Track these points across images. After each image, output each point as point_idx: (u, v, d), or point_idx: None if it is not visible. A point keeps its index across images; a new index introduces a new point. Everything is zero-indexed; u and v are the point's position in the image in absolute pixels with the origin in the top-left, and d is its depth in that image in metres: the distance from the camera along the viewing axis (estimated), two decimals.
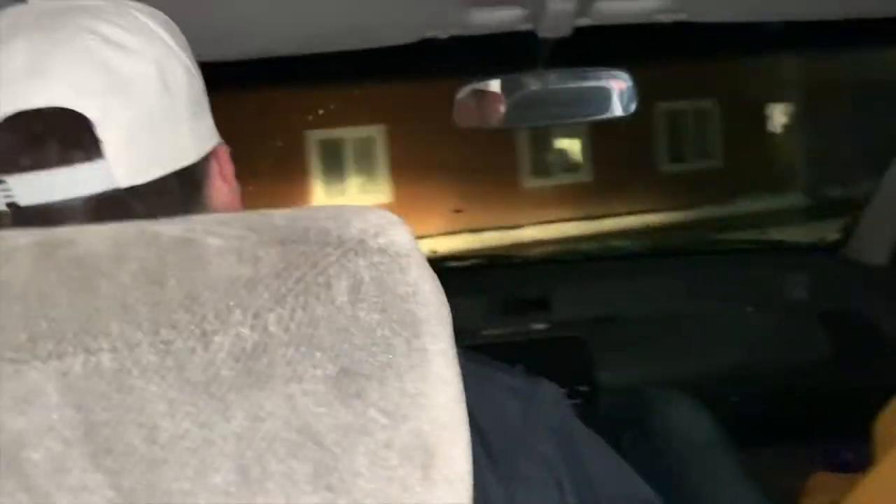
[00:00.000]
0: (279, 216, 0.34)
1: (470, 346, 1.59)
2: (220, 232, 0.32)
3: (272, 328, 0.29)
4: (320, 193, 9.48)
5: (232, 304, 0.29)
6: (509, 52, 1.23)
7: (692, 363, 1.61)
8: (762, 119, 9.60)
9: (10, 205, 0.47)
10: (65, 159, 0.47)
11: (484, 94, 1.24)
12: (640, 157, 9.91)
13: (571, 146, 9.95)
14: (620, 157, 9.11)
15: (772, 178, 9.56)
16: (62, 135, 0.47)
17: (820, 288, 1.76)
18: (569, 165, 9.97)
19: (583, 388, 1.56)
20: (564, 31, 1.09)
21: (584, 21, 1.08)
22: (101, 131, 0.47)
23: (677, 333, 1.67)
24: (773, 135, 9.62)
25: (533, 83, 1.23)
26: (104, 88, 0.47)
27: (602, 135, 9.37)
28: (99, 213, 0.47)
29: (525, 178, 10.03)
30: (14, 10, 0.51)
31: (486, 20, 1.05)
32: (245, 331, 0.29)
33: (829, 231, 1.81)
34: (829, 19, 1.11)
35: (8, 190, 0.46)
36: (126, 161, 0.48)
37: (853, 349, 1.60)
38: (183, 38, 0.55)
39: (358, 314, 0.31)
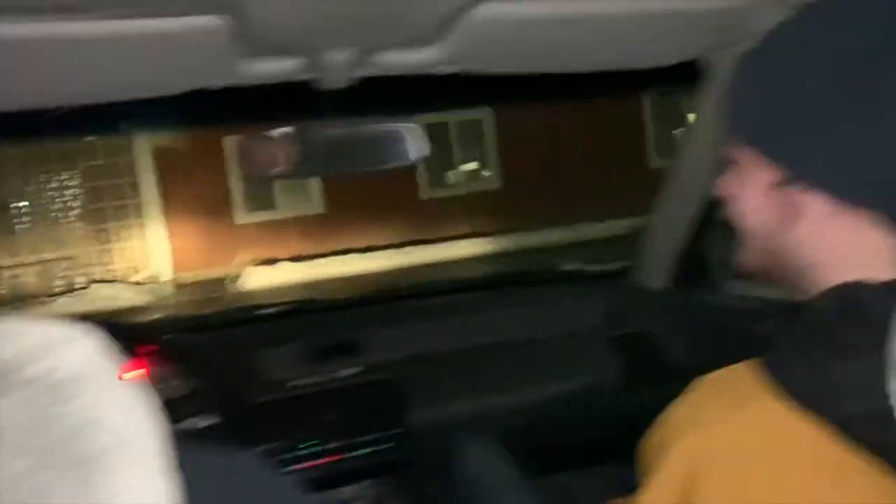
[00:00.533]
0: None
1: (278, 398, 1.54)
2: None
3: None
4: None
5: None
6: (289, 100, 1.21)
7: (497, 397, 1.65)
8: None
9: None
10: None
11: (273, 144, 1.21)
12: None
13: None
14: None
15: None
16: None
17: (612, 314, 1.87)
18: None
19: (394, 432, 1.55)
20: (344, 81, 1.08)
21: (363, 72, 1.08)
22: None
23: (483, 368, 1.71)
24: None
25: (322, 132, 1.21)
26: None
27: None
28: None
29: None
30: None
31: (261, 71, 1.02)
32: None
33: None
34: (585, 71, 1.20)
35: None
36: None
37: (642, 370, 1.71)
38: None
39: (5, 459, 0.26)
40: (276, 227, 10.79)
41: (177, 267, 10.61)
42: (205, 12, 0.84)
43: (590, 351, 1.76)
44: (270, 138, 1.22)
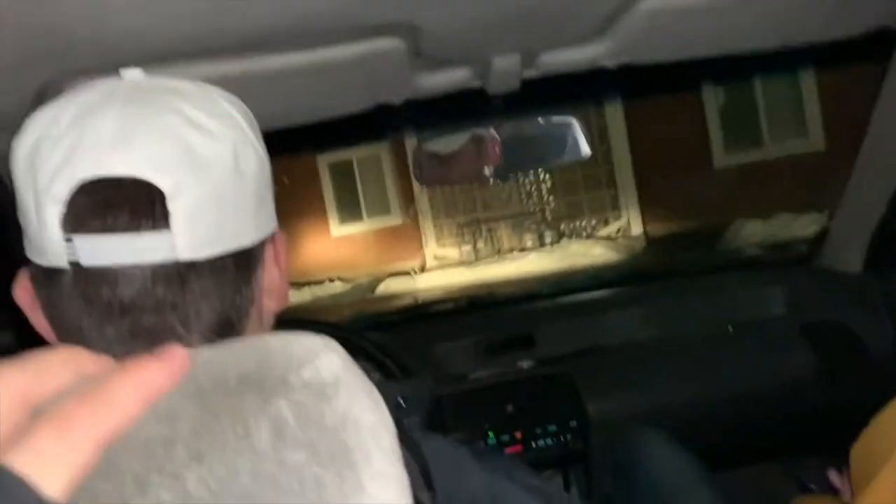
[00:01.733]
0: (202, 359, 0.35)
1: (459, 391, 1.60)
2: None
3: (191, 488, 0.30)
4: None
5: (149, 466, 0.30)
6: (458, 107, 1.25)
7: (678, 389, 1.61)
8: None
9: (72, 263, 0.49)
10: (132, 226, 0.49)
11: (456, 152, 1.26)
12: None
13: None
14: None
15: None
16: (134, 204, 0.49)
17: (798, 301, 1.77)
18: None
19: (573, 424, 1.56)
20: (513, 85, 1.11)
21: (531, 73, 1.11)
22: (171, 205, 0.49)
23: (662, 359, 1.68)
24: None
25: (497, 136, 1.25)
26: (180, 165, 0.50)
27: None
28: (155, 283, 0.50)
29: None
30: (111, 83, 0.54)
31: (436, 82, 1.07)
32: (164, 494, 0.30)
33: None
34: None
35: (73, 248, 0.49)
36: (189, 235, 0.50)
37: (836, 361, 1.60)
38: (257, 126, 0.59)
39: (283, 457, 0.31)
40: None
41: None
42: (381, 35, 0.90)
43: (775, 341, 1.68)
44: (452, 148, 1.28)
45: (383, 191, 10.91)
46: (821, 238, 1.83)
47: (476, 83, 1.10)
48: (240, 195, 0.53)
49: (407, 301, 7.40)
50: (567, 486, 1.71)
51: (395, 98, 1.09)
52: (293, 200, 10.23)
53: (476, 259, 10.29)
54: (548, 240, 10.23)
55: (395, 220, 11.02)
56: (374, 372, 1.47)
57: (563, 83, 1.21)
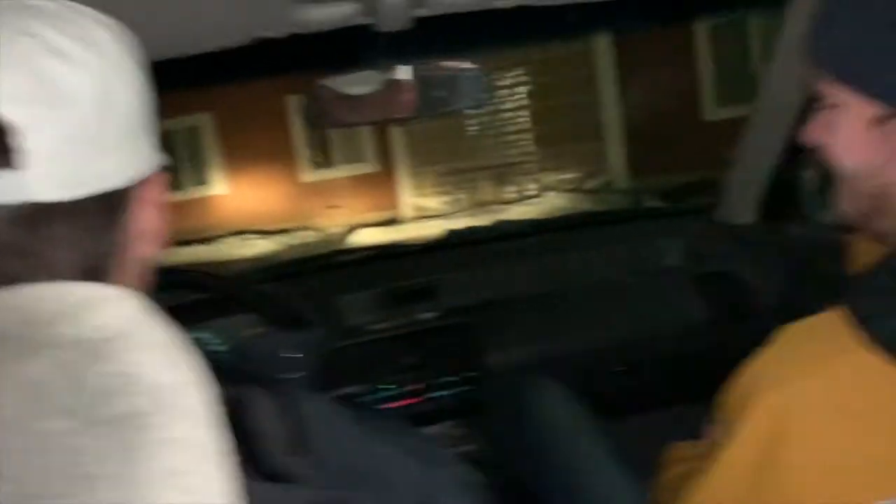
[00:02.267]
0: None
1: (357, 342, 1.57)
2: None
3: None
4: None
5: None
6: (346, 46, 1.19)
7: (578, 337, 1.63)
8: None
9: None
10: None
11: (341, 92, 1.20)
12: None
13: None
14: None
15: None
16: None
17: (695, 252, 1.81)
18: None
19: (472, 374, 1.56)
20: (404, 23, 1.06)
21: (421, 12, 1.05)
22: (25, 141, 0.44)
23: (562, 309, 1.69)
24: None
25: (396, 76, 1.19)
26: (36, 98, 0.45)
27: None
28: (7, 226, 0.44)
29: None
30: None
31: (321, 16, 1.01)
32: None
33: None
34: None
35: None
36: (46, 176, 0.45)
37: (727, 309, 1.65)
38: (138, 53, 0.52)
39: (38, 426, 0.27)
40: None
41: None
42: None
43: (671, 290, 1.71)
44: (351, 86, 1.21)
45: (357, 135, 10.28)
46: (720, 190, 1.86)
47: (364, 19, 1.04)
48: (107, 132, 0.48)
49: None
50: (469, 438, 1.72)
51: (277, 32, 1.03)
52: (260, 143, 9.84)
53: (457, 210, 9.99)
54: (531, 192, 9.97)
55: (369, 167, 10.57)
56: (261, 325, 1.42)
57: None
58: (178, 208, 9.50)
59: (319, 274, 1.89)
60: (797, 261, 1.64)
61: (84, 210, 0.47)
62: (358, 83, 1.20)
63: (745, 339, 1.49)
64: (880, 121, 0.63)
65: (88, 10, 0.50)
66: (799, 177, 1.63)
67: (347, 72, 1.19)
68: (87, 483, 0.27)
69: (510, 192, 10.10)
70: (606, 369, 1.65)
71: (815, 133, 0.70)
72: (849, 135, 0.66)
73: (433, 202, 10.39)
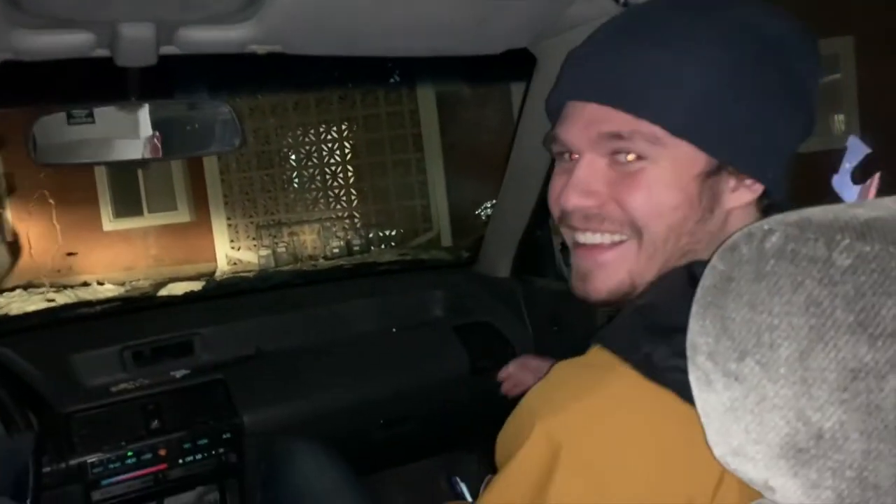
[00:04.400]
0: None
1: (102, 403, 1.41)
2: None
3: None
4: None
5: None
6: (95, 77, 1.10)
7: (339, 392, 1.59)
8: None
9: None
10: None
11: (63, 127, 1.09)
12: None
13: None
14: None
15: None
16: None
17: (456, 303, 1.87)
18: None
19: (226, 436, 1.46)
20: (148, 59, 0.99)
21: (169, 49, 1.00)
22: None
23: (325, 363, 1.65)
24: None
25: (127, 115, 1.11)
26: None
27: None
28: None
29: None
30: None
31: (44, 45, 0.91)
32: None
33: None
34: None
35: None
36: None
37: (484, 358, 1.71)
38: None
39: None
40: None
41: None
42: None
43: (432, 342, 1.75)
44: (72, 118, 1.11)
45: (168, 182, 9.65)
46: (479, 246, 1.96)
47: (101, 52, 0.96)
48: None
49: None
50: (223, 502, 1.61)
51: (6, 57, 0.91)
52: (59, 184, 8.70)
53: (276, 265, 9.41)
54: (356, 248, 9.65)
55: (182, 216, 9.82)
56: None
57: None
58: None
59: (58, 330, 1.69)
60: (549, 310, 1.75)
61: None
62: (80, 119, 1.11)
63: (500, 386, 1.56)
64: (709, 172, 0.63)
65: None
66: (546, 234, 1.76)
67: (83, 105, 1.09)
68: None
69: (333, 246, 9.89)
70: (369, 423, 1.63)
71: (599, 192, 0.67)
72: (669, 188, 0.64)
73: (251, 255, 9.93)
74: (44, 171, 8.16)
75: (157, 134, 1.09)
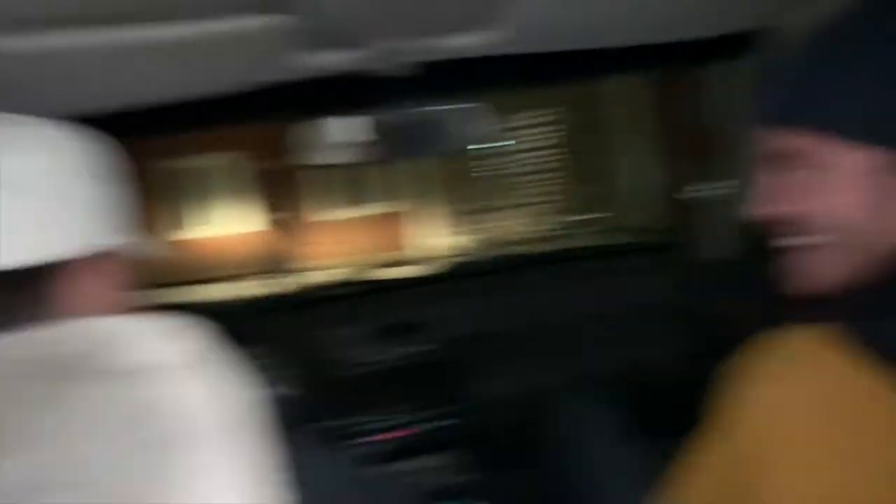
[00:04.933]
0: (4, 342, 0.32)
1: (348, 375, 1.59)
2: None
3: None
4: None
5: None
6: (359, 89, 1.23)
7: (557, 370, 1.66)
8: None
9: None
10: None
11: (346, 132, 1.23)
12: None
13: None
14: None
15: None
16: None
17: (673, 287, 1.86)
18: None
19: (463, 407, 1.59)
20: (406, 69, 1.10)
21: (424, 57, 1.10)
22: None
23: (550, 342, 1.72)
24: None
25: (391, 120, 1.23)
26: None
27: None
28: None
29: None
30: None
31: (321, 63, 1.05)
32: None
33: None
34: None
35: None
36: None
37: (709, 347, 1.69)
38: (75, 148, 0.60)
39: (81, 447, 0.29)
40: None
41: None
42: (264, 11, 0.87)
43: (649, 326, 1.75)
44: (344, 128, 1.25)
45: (383, 173, 10.09)
46: (701, 226, 1.91)
47: (368, 66, 1.08)
48: (9, 216, 0.54)
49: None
50: (456, 470, 1.74)
51: (280, 77, 1.07)
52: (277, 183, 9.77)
53: (481, 251, 9.70)
54: (560, 234, 9.26)
55: (396, 206, 10.33)
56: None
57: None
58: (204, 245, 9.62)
59: (307, 309, 1.91)
60: (771, 296, 1.68)
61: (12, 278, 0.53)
62: (351, 126, 1.24)
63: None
64: (880, 169, 0.63)
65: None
66: None
67: (346, 113, 1.23)
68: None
69: (528, 231, 9.75)
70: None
71: (787, 202, 0.67)
72: (844, 188, 0.64)
73: (457, 241, 10.32)
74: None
75: (413, 135, 1.21)
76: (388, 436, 1.57)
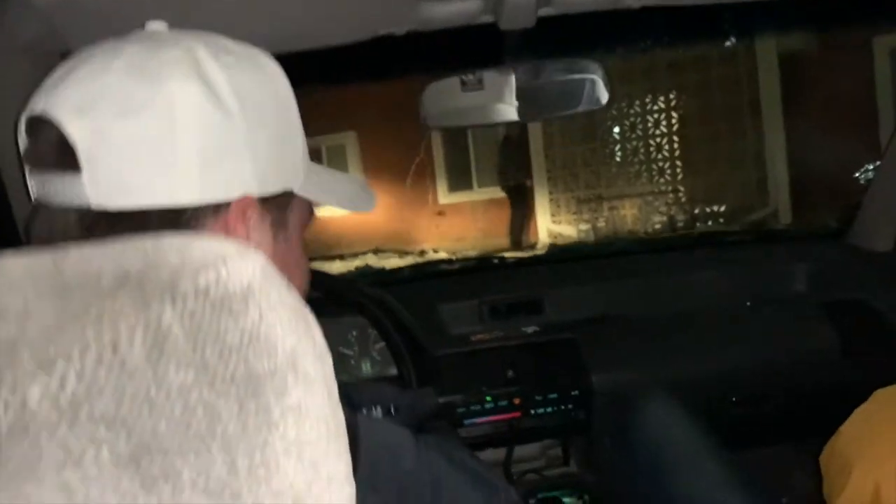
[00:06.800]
0: (74, 254, 0.28)
1: (462, 351, 1.54)
2: None
3: (33, 404, 0.24)
4: None
5: None
6: (471, 45, 1.17)
7: (689, 362, 1.53)
8: None
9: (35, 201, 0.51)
10: (47, 168, 0.49)
11: (455, 92, 1.19)
12: None
13: None
14: None
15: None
16: (47, 147, 0.49)
17: (824, 278, 1.68)
18: None
19: (574, 393, 1.50)
20: (527, 21, 1.03)
21: (547, 11, 1.03)
22: (82, 150, 0.47)
23: (675, 331, 1.60)
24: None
25: (506, 78, 1.17)
26: (100, 110, 0.47)
27: None
28: (69, 228, 0.48)
29: None
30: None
31: (443, 13, 1.00)
32: None
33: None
34: None
35: (32, 186, 0.51)
36: (98, 183, 0.47)
37: (858, 341, 1.52)
38: (246, 77, 0.53)
39: (162, 376, 0.25)
40: None
41: None
42: None
43: (795, 318, 1.59)
44: (453, 88, 1.20)
45: (495, 158, 10.02)
46: (851, 215, 1.73)
47: (487, 17, 1.02)
48: (171, 150, 0.48)
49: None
50: (566, 458, 1.66)
51: (399, 28, 1.02)
52: (400, 163, 9.82)
53: (596, 240, 9.34)
54: (679, 224, 9.01)
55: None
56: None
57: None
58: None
59: (425, 282, 1.88)
60: None
61: (145, 222, 0.48)
62: (472, 85, 1.19)
63: (875, 372, 1.38)
64: None
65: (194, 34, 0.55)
66: None
67: (465, 72, 1.17)
68: (199, 443, 0.25)
69: (656, 221, 9.29)
70: (722, 398, 1.55)
71: None
72: None
73: (571, 229, 10.05)
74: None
75: (532, 94, 1.14)
76: (497, 418, 1.50)
